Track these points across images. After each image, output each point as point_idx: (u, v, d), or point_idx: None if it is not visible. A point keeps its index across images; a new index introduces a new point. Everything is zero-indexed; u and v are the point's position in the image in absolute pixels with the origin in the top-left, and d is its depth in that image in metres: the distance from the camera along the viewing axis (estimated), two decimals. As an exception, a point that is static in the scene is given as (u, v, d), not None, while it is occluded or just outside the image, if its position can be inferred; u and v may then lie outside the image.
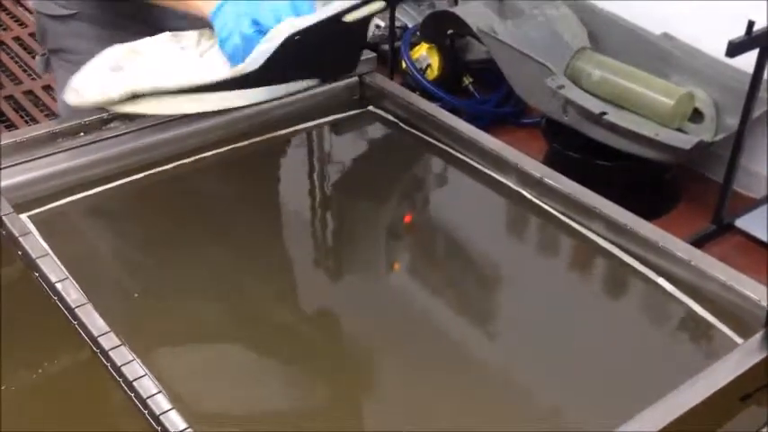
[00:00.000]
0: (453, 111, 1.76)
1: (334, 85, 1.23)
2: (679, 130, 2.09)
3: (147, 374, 0.73)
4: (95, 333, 0.77)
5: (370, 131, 1.23)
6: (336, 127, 1.22)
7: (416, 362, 0.85)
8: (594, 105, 2.07)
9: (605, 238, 0.97)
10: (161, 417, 0.70)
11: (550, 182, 1.03)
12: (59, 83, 1.26)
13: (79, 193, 1.03)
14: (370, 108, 1.23)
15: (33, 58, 2.89)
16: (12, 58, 2.93)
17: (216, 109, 1.01)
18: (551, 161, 2.22)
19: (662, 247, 0.93)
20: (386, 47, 2.66)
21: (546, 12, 2.32)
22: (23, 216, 0.95)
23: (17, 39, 3.02)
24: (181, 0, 1.03)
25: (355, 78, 1.24)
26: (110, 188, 1.05)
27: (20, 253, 0.89)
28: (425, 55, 2.66)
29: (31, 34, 3.02)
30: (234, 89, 0.99)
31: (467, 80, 2.66)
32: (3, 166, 1.00)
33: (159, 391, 0.72)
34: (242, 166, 1.13)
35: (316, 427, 0.78)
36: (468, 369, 0.84)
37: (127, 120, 1.09)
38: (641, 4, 2.25)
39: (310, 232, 1.09)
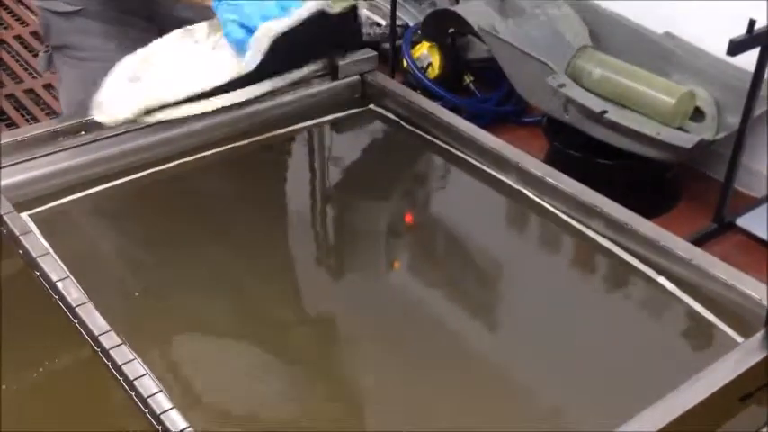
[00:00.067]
0: (454, 109, 1.75)
1: (335, 83, 1.23)
2: (680, 128, 2.08)
3: (147, 373, 0.73)
4: (96, 332, 0.77)
5: (371, 130, 1.23)
6: (338, 125, 1.22)
7: (417, 361, 0.85)
8: (595, 104, 2.07)
9: (606, 237, 0.97)
10: (161, 416, 0.70)
11: (551, 180, 1.03)
12: (63, 79, 1.26)
13: (80, 191, 1.03)
14: (372, 107, 1.23)
15: (34, 56, 2.89)
16: (13, 56, 2.93)
17: (230, 104, 1.02)
18: (552, 160, 2.21)
19: (663, 245, 0.93)
20: (387, 45, 2.66)
21: (547, 10, 2.31)
22: (24, 215, 0.95)
23: (18, 37, 3.02)
24: None
25: (357, 77, 1.24)
26: (110, 187, 1.05)
27: (21, 252, 0.89)
28: (426, 53, 2.65)
29: (32, 33, 3.02)
30: (241, 87, 1.00)
31: (468, 79, 2.66)
32: (4, 164, 1.00)
33: (160, 390, 0.72)
34: (243, 164, 1.13)
35: (316, 427, 0.78)
36: (469, 368, 0.84)
37: (127, 119, 1.09)
38: (643, 3, 2.25)
39: (311, 231, 1.09)
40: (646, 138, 2.01)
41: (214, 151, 1.12)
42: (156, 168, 1.08)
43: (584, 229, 0.99)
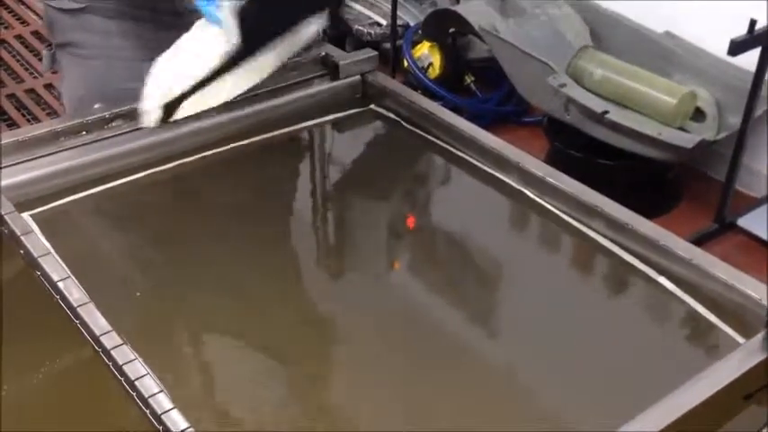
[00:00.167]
0: (455, 109, 1.76)
1: (336, 83, 1.23)
2: (681, 128, 2.09)
3: (148, 374, 0.73)
4: (97, 332, 0.77)
5: (371, 130, 1.23)
6: (338, 125, 1.22)
7: (417, 361, 0.85)
8: (596, 104, 2.07)
9: (607, 237, 0.97)
10: (162, 416, 0.70)
11: (552, 181, 1.03)
12: (66, 77, 1.26)
13: (81, 191, 1.03)
14: (372, 106, 1.23)
15: (35, 56, 2.89)
16: (14, 56, 2.94)
17: (245, 88, 1.00)
18: (553, 160, 2.21)
19: (663, 245, 0.93)
20: (388, 45, 2.66)
21: (548, 10, 2.32)
22: (25, 215, 0.95)
23: (19, 37, 3.02)
24: None
25: (357, 77, 1.24)
26: (112, 187, 1.05)
27: (22, 252, 0.89)
28: (427, 53, 2.65)
29: (33, 32, 3.02)
30: (238, 66, 0.98)
31: (468, 79, 2.66)
32: (5, 164, 1.01)
33: (161, 391, 0.72)
34: (244, 164, 1.13)
35: (316, 427, 0.78)
36: (469, 368, 0.84)
37: (129, 118, 1.09)
38: (643, 2, 2.25)
39: (312, 231, 1.09)
40: (647, 138, 2.01)
41: (215, 151, 1.12)
42: (158, 168, 1.08)
43: (584, 229, 0.99)
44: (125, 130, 1.09)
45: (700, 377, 0.75)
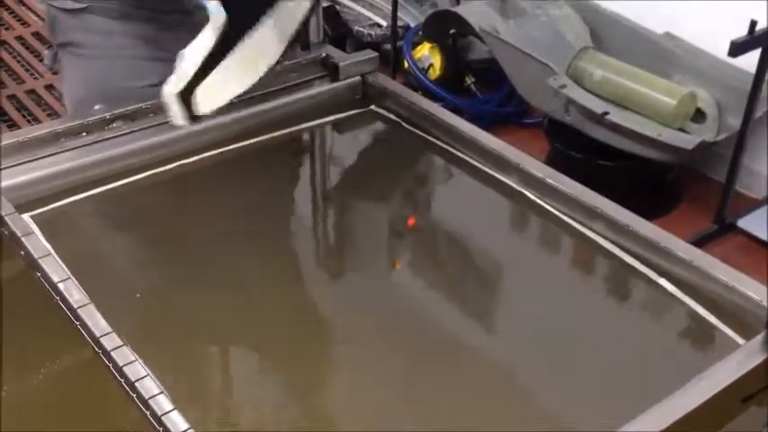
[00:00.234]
0: (455, 110, 1.76)
1: (336, 84, 1.23)
2: (681, 130, 2.09)
3: (148, 375, 0.74)
4: (97, 333, 0.77)
5: (372, 131, 1.23)
6: (339, 126, 1.22)
7: (417, 361, 0.85)
8: (597, 105, 2.07)
9: (607, 239, 0.97)
10: (162, 417, 0.70)
11: (552, 182, 1.03)
12: (67, 77, 1.26)
13: (82, 192, 1.03)
14: (373, 107, 1.23)
15: (36, 57, 2.90)
16: (14, 57, 2.94)
17: (255, 77, 0.99)
18: (553, 161, 2.22)
19: (663, 247, 0.93)
20: (388, 46, 2.66)
21: (548, 11, 2.32)
22: (26, 216, 0.95)
23: (20, 38, 3.02)
24: None
25: (358, 78, 1.24)
26: (112, 188, 1.05)
27: (22, 253, 0.89)
28: (427, 54, 2.66)
29: (34, 34, 3.03)
30: (239, 48, 0.97)
31: (469, 80, 2.66)
32: (5, 165, 1.01)
33: (161, 392, 0.72)
34: (244, 166, 1.13)
35: (316, 427, 0.79)
36: (470, 369, 0.85)
37: (129, 120, 1.09)
38: (643, 3, 2.25)
39: (313, 232, 1.09)
40: (647, 139, 2.01)
41: (215, 152, 1.12)
42: (158, 169, 1.08)
43: (584, 230, 0.99)
44: (125, 132, 1.09)
45: (700, 378, 0.75)
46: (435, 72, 2.64)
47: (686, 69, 2.16)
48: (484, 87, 2.66)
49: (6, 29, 3.08)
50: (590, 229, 0.99)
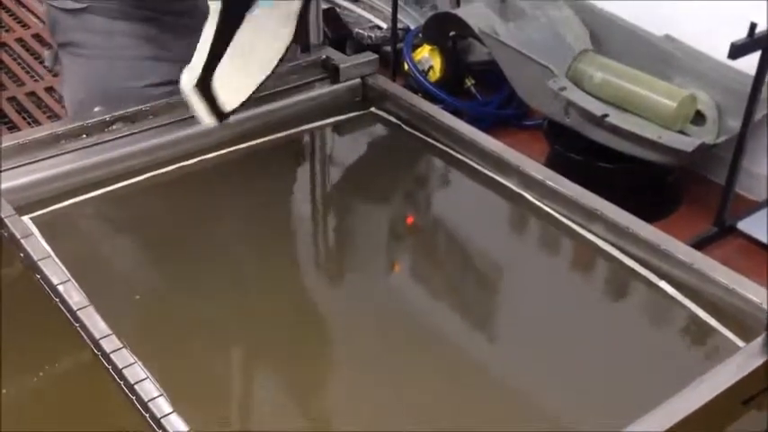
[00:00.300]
0: (455, 112, 1.76)
1: (336, 86, 1.23)
2: (681, 132, 2.09)
3: (148, 377, 0.73)
4: (97, 335, 0.77)
5: (372, 133, 1.23)
6: (339, 128, 1.22)
7: (417, 362, 0.85)
8: (596, 107, 2.07)
9: (607, 241, 0.97)
10: (162, 420, 0.70)
11: (552, 184, 1.03)
12: (68, 77, 1.26)
13: (82, 195, 1.03)
14: (373, 110, 1.23)
15: (36, 59, 2.90)
16: (14, 59, 2.94)
17: (274, 58, 0.99)
18: (553, 163, 2.22)
19: (663, 249, 0.93)
20: (388, 48, 2.66)
21: (548, 13, 2.32)
22: (26, 218, 0.95)
23: (20, 40, 3.03)
24: None
25: (357, 80, 1.24)
26: (112, 190, 1.05)
27: (22, 255, 0.89)
28: (427, 57, 2.66)
29: (34, 35, 3.03)
30: (240, 26, 0.96)
31: (469, 82, 2.66)
32: (5, 167, 1.00)
33: (160, 395, 0.72)
34: (244, 168, 1.13)
35: (316, 427, 0.78)
36: (469, 371, 0.84)
37: (129, 122, 1.09)
38: (643, 5, 2.25)
39: (313, 234, 1.09)
40: (647, 141, 2.01)
41: (216, 154, 1.12)
42: (158, 171, 1.08)
43: (584, 232, 0.99)
44: (126, 134, 1.09)
45: (700, 381, 0.74)
46: (435, 74, 2.64)
47: (686, 72, 2.16)
48: (484, 89, 2.66)
49: (6, 31, 3.08)
50: (590, 231, 0.99)
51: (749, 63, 1.92)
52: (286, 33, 1.00)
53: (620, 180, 2.14)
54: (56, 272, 0.84)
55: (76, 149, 1.06)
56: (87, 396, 0.80)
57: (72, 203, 1.02)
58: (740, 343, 0.84)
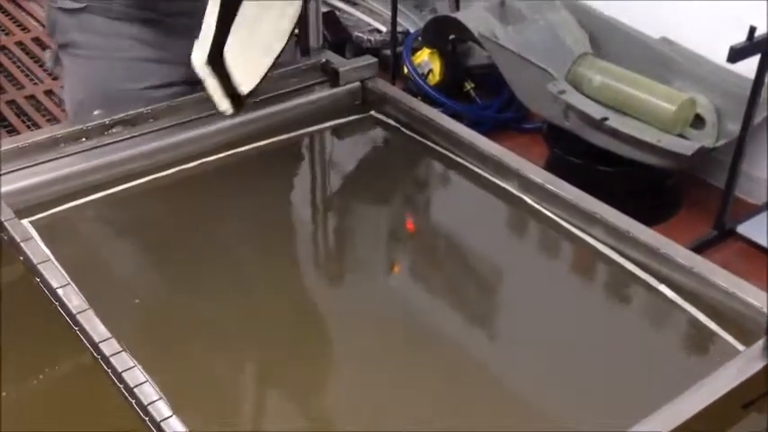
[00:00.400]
0: (455, 116, 1.76)
1: (336, 90, 1.23)
2: (680, 135, 2.09)
3: (147, 381, 0.73)
4: (96, 339, 0.77)
5: (371, 136, 1.23)
6: (338, 132, 1.22)
7: (417, 362, 0.85)
8: (596, 111, 2.08)
9: (606, 245, 0.97)
10: (162, 423, 0.70)
11: (552, 187, 1.03)
12: (67, 79, 1.26)
13: (81, 198, 1.03)
14: (372, 113, 1.23)
15: (36, 62, 2.90)
16: (14, 62, 2.94)
17: (283, 28, 0.99)
18: (553, 167, 2.22)
19: (663, 253, 0.93)
20: (387, 52, 2.67)
21: (547, 17, 2.32)
22: (25, 221, 0.95)
23: (19, 43, 3.03)
24: None
25: (357, 83, 1.24)
26: (112, 193, 1.05)
27: (21, 258, 0.89)
28: (427, 60, 2.66)
29: (34, 39, 3.03)
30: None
31: (468, 85, 2.66)
32: (5, 171, 1.00)
33: (160, 398, 0.72)
34: (244, 170, 1.13)
35: (316, 427, 0.78)
36: (468, 376, 0.84)
37: (129, 125, 1.09)
38: (642, 9, 2.25)
39: (313, 237, 1.09)
40: (646, 145, 2.02)
41: (215, 157, 1.12)
42: (158, 175, 1.08)
43: (584, 236, 0.99)
44: (125, 137, 1.09)
45: (700, 384, 0.74)
46: (435, 78, 2.64)
47: (686, 75, 2.16)
48: (483, 93, 2.66)
49: (6, 34, 3.09)
50: (589, 234, 0.99)
51: (748, 66, 1.92)
52: (292, 10, 1.00)
53: (619, 183, 2.14)
54: (55, 275, 0.84)
55: (76, 153, 1.06)
56: (87, 399, 0.80)
57: (72, 207, 1.02)
58: (740, 347, 0.84)
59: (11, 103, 2.72)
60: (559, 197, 1.02)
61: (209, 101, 1.02)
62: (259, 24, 0.98)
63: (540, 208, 1.04)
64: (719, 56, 1.92)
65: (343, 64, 1.23)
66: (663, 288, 0.92)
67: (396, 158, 1.20)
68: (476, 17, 2.33)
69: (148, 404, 0.71)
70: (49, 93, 2.73)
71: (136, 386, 0.73)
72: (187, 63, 0.98)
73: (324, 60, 1.24)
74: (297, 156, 1.21)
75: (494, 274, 1.03)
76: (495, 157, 1.09)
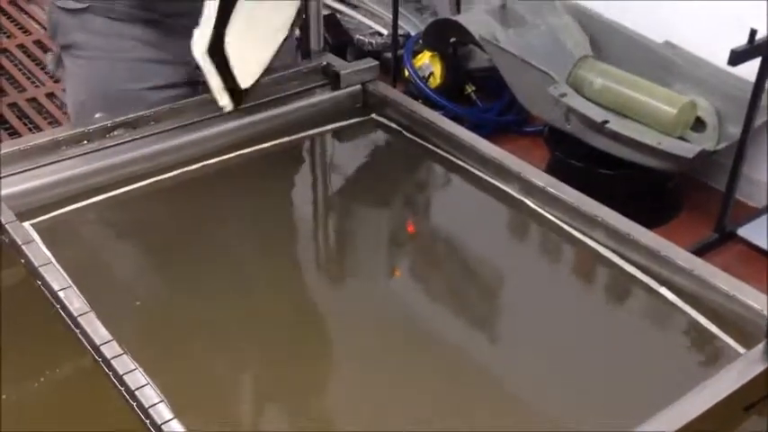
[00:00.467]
0: (456, 119, 1.76)
1: (337, 93, 1.23)
2: (681, 138, 2.09)
3: (149, 383, 0.73)
4: (98, 341, 0.77)
5: (372, 139, 1.23)
6: (339, 134, 1.22)
7: (417, 362, 0.85)
8: (597, 114, 2.07)
9: (607, 247, 0.97)
10: (162, 426, 0.70)
11: (553, 190, 1.03)
12: (69, 79, 1.26)
13: (83, 200, 1.03)
14: (373, 116, 1.23)
15: (37, 65, 2.90)
16: (15, 65, 2.94)
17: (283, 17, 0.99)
18: (554, 169, 2.22)
19: (664, 256, 0.93)
20: (389, 55, 2.66)
21: (548, 20, 2.32)
22: (27, 224, 0.95)
23: (21, 46, 3.03)
24: None
25: (358, 86, 1.24)
26: (113, 196, 1.05)
27: (23, 261, 0.89)
28: (428, 63, 2.66)
29: (35, 42, 3.03)
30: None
31: (469, 88, 2.66)
32: (6, 173, 1.01)
33: (161, 401, 0.72)
34: (246, 173, 1.13)
35: (316, 427, 0.79)
36: (468, 376, 0.85)
37: (131, 128, 1.09)
38: (643, 11, 2.25)
39: (314, 239, 1.09)
40: (647, 147, 2.01)
41: (217, 160, 1.12)
42: (159, 177, 1.08)
43: (585, 239, 0.99)
44: (127, 139, 1.09)
45: (701, 387, 0.75)
46: (436, 80, 2.64)
47: (686, 78, 2.16)
48: (484, 96, 2.66)
49: (8, 37, 3.09)
50: (590, 237, 0.99)
51: (749, 69, 1.92)
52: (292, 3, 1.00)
53: (620, 186, 2.14)
54: (57, 278, 0.84)
55: (77, 155, 1.06)
56: (88, 402, 0.80)
57: (73, 209, 1.02)
58: (740, 349, 0.84)
59: (12, 105, 2.72)
60: (560, 200, 1.02)
61: (210, 103, 1.03)
62: (259, 16, 0.98)
63: (541, 211, 1.04)
64: (720, 58, 1.92)
65: (344, 67, 1.24)
66: (663, 291, 0.92)
67: (396, 161, 1.20)
68: (477, 20, 2.33)
69: (149, 407, 0.71)
70: (50, 95, 2.73)
71: (137, 389, 0.73)
72: (189, 63, 0.98)
73: (325, 63, 1.25)
74: (298, 158, 1.21)
75: (495, 276, 1.03)
76: (496, 160, 1.09)
